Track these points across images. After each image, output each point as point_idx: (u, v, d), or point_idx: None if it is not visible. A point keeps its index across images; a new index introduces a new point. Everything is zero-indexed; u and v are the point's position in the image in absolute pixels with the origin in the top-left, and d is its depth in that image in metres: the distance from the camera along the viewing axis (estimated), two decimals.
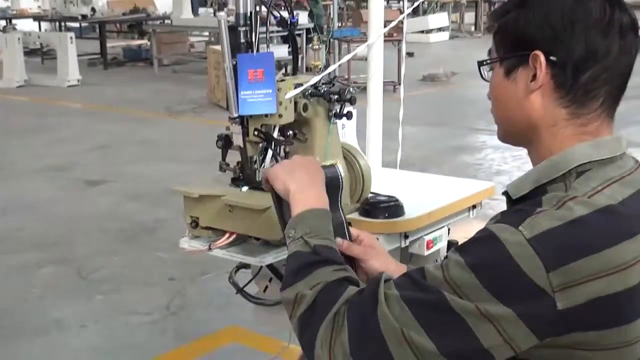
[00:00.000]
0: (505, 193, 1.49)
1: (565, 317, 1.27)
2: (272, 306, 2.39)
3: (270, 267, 2.21)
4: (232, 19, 2.09)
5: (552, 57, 1.39)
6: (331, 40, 13.21)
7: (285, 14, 2.25)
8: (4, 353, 4.06)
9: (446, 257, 1.37)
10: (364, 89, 2.92)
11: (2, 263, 5.26)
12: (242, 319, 4.09)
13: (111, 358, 4.02)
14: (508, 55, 1.46)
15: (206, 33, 16.21)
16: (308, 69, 2.77)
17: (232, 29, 2.06)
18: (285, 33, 2.28)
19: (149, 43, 15.90)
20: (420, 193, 2.62)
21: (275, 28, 2.26)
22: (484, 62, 1.53)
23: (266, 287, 2.42)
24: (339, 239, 1.67)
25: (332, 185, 1.73)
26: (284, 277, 1.54)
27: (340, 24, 15.94)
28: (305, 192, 1.62)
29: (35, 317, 4.43)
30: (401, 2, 19.32)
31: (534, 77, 1.42)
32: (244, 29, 2.07)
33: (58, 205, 6.54)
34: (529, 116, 1.45)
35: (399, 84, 8.74)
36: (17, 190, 7.01)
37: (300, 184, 1.64)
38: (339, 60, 13.07)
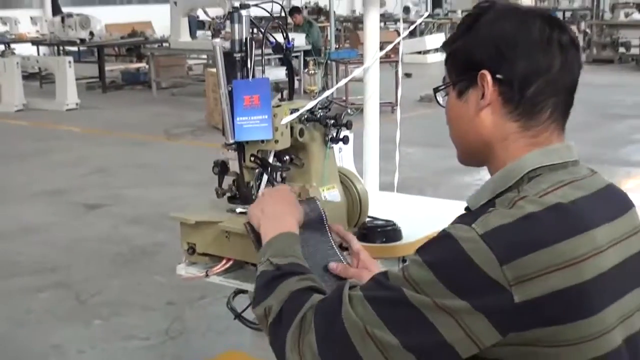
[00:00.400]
0: (467, 207, 1.57)
1: (523, 311, 1.31)
2: None
3: None
4: (228, 44, 2.10)
5: (498, 75, 1.49)
6: (328, 62, 13.25)
7: (281, 38, 2.25)
8: None
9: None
10: (362, 111, 2.92)
11: (0, 288, 5.24)
12: (241, 343, 4.07)
13: None
14: (459, 78, 1.57)
15: (204, 56, 16.25)
16: (305, 92, 2.77)
17: (228, 55, 2.06)
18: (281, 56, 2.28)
19: (147, 66, 15.94)
20: (418, 216, 2.62)
21: (271, 51, 2.26)
22: (439, 88, 1.64)
23: None
24: (332, 264, 1.81)
25: (316, 221, 1.86)
26: (253, 297, 1.64)
27: (337, 46, 15.98)
28: (273, 222, 1.76)
29: (34, 342, 4.42)
30: (398, 24, 19.41)
31: (483, 95, 1.51)
32: (239, 54, 2.08)
33: (56, 229, 6.54)
34: (482, 133, 1.54)
35: (397, 105, 8.72)
36: (15, 214, 7.00)
37: (268, 217, 1.78)
38: (336, 82, 13.13)
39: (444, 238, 1.39)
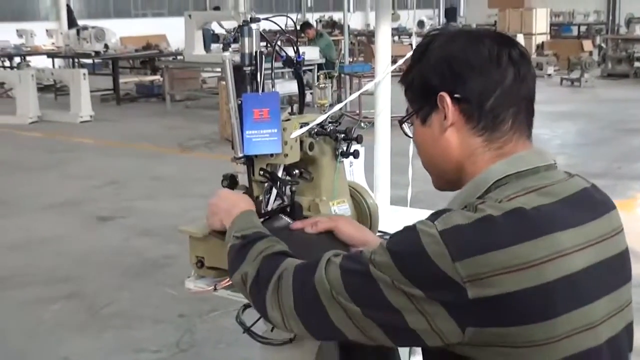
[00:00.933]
0: None
1: (479, 307, 1.36)
2: (280, 345, 2.37)
3: None
4: (238, 58, 2.10)
5: (456, 95, 1.56)
6: (342, 75, 13.26)
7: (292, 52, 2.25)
8: None
9: None
10: (370, 124, 2.92)
11: (12, 299, 5.26)
12: (251, 356, 4.06)
13: None
14: (420, 105, 1.64)
15: (218, 69, 16.27)
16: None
17: (238, 69, 2.06)
18: (292, 70, 2.28)
19: (161, 79, 15.99)
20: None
21: (281, 64, 2.26)
22: (404, 120, 1.72)
23: (273, 326, 2.40)
24: (297, 222, 2.09)
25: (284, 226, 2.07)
26: (228, 268, 1.83)
27: (351, 59, 15.99)
28: (229, 213, 1.94)
29: (45, 353, 4.42)
30: (411, 38, 19.41)
31: (445, 116, 1.58)
32: (249, 68, 2.07)
33: (68, 241, 6.55)
34: (450, 153, 1.61)
35: None
36: (28, 225, 7.02)
37: (225, 212, 1.96)
38: (349, 95, 13.14)
39: (408, 229, 1.46)
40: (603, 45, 21.11)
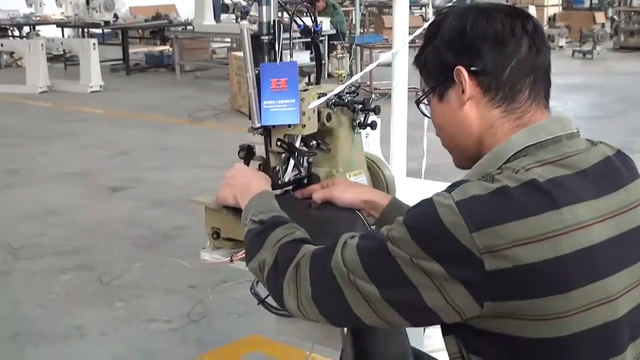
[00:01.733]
0: None
1: (496, 279, 1.35)
2: (294, 317, 2.35)
3: None
4: (254, 27, 2.06)
5: (472, 68, 1.56)
6: (353, 46, 13.17)
7: (308, 21, 2.22)
8: (24, 359, 4.05)
9: None
10: (385, 96, 2.88)
11: (23, 269, 5.26)
12: (264, 328, 4.06)
13: None
14: (437, 82, 1.64)
15: (228, 39, 16.24)
16: (329, 76, 2.73)
17: (255, 38, 2.02)
18: (308, 39, 2.25)
19: (171, 49, 15.94)
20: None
21: (297, 34, 2.22)
22: (420, 100, 1.72)
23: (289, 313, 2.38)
24: (298, 192, 2.11)
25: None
26: (245, 254, 1.82)
27: (362, 30, 15.88)
28: (246, 190, 1.93)
29: (56, 323, 4.42)
30: (424, 9, 19.28)
31: (463, 90, 1.58)
32: (267, 37, 2.04)
33: (79, 211, 6.55)
34: (470, 128, 1.60)
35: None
36: (38, 196, 7.02)
37: (240, 189, 1.96)
38: (360, 66, 13.07)
39: (425, 202, 1.45)
40: (615, 17, 20.95)
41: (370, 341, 1.96)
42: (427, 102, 1.71)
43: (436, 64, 1.62)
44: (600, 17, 20.66)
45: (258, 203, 1.87)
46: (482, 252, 1.35)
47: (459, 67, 1.56)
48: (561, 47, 18.63)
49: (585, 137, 1.62)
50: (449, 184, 1.49)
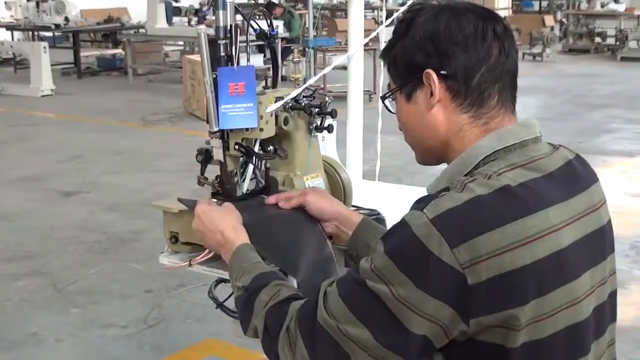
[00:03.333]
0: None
1: (478, 293, 1.35)
2: None
3: None
4: (211, 31, 2.07)
5: (442, 71, 1.54)
6: (307, 49, 13.18)
7: (264, 25, 2.23)
8: None
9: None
10: (339, 98, 2.91)
11: None
12: (220, 331, 4.07)
13: None
14: (404, 82, 1.61)
15: (181, 42, 16.14)
16: (284, 79, 2.74)
17: (212, 42, 2.03)
18: (262, 43, 2.26)
19: (123, 52, 15.80)
20: (400, 205, 2.60)
21: (252, 37, 2.23)
22: (386, 96, 1.69)
23: None
24: (271, 197, 2.04)
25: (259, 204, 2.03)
26: (240, 323, 1.73)
27: (315, 33, 15.89)
28: (221, 243, 1.88)
29: (11, 330, 4.38)
30: (376, 12, 19.34)
31: (432, 93, 1.56)
32: (224, 41, 2.05)
33: (32, 216, 6.48)
34: (437, 131, 1.59)
35: (374, 93, 8.73)
36: None
37: (213, 241, 1.91)
38: (314, 69, 13.08)
39: (400, 226, 1.43)
40: (564, 20, 21.25)
41: None
42: (392, 98, 1.69)
43: (405, 64, 1.59)
44: (549, 20, 20.91)
45: (237, 263, 1.80)
46: (464, 266, 1.35)
47: (428, 70, 1.54)
48: None
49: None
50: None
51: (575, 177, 1.57)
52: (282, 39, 12.99)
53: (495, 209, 1.39)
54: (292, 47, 2.61)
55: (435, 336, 1.40)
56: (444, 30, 1.54)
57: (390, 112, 1.73)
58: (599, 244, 1.55)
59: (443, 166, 1.63)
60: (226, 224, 1.89)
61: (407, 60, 1.59)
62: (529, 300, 1.38)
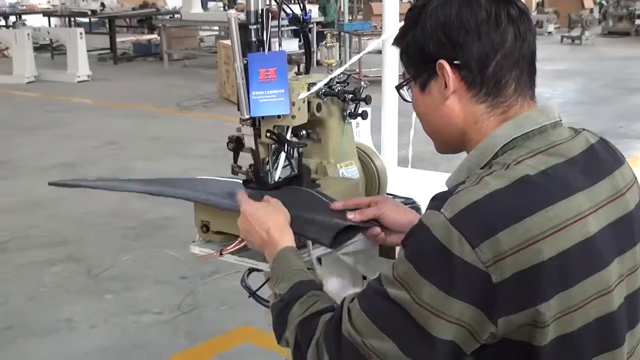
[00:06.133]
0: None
1: (504, 291, 1.30)
2: None
3: None
4: (242, 16, 2.02)
5: (455, 62, 1.49)
6: (341, 34, 13.13)
7: (297, 9, 2.18)
8: (14, 352, 4.02)
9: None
10: (375, 83, 2.85)
11: (12, 262, 5.23)
12: (254, 319, 4.04)
13: (122, 358, 3.97)
14: (418, 72, 1.56)
15: (216, 27, 16.17)
16: (318, 63, 2.69)
17: (243, 27, 1.98)
18: (296, 27, 2.20)
19: (158, 38, 15.86)
20: (436, 192, 2.56)
21: (285, 22, 2.18)
22: (401, 85, 1.65)
23: None
24: (350, 213, 1.87)
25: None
26: (274, 332, 1.67)
27: (350, 17, 15.82)
28: (268, 241, 1.79)
29: (45, 316, 4.39)
30: None
31: (446, 85, 1.51)
32: (255, 26, 2.00)
33: (68, 202, 6.50)
34: (453, 122, 1.54)
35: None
36: (26, 187, 6.97)
37: (259, 239, 1.81)
38: (349, 53, 13.02)
39: (418, 229, 1.39)
40: (604, 2, 20.93)
41: None
42: (408, 88, 1.64)
43: (417, 54, 1.55)
44: (588, 2, 20.66)
45: (279, 268, 1.73)
46: (487, 265, 1.30)
47: (441, 61, 1.49)
48: (550, 32, 18.62)
49: (574, 123, 1.59)
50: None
51: (598, 161, 1.50)
52: (317, 23, 12.96)
53: (514, 202, 1.34)
54: (326, 32, 2.56)
55: (463, 341, 1.34)
56: (456, 18, 1.48)
57: (406, 101, 1.67)
58: (626, 230, 1.48)
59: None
60: (273, 223, 1.82)
61: (419, 51, 1.54)
62: (555, 294, 1.33)
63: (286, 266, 1.73)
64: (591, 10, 19.88)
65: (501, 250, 1.30)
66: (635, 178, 1.57)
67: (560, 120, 1.53)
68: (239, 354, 3.99)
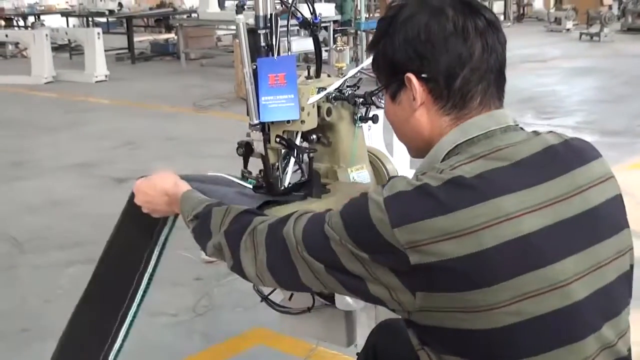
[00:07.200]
0: None
1: (422, 272, 1.38)
2: (298, 314, 2.34)
3: None
4: (251, 21, 2.02)
5: (423, 75, 1.53)
6: (357, 32, 13.11)
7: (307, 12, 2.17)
8: (30, 354, 4.03)
9: None
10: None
11: (29, 263, 5.24)
12: (269, 321, 4.03)
13: None
14: (388, 82, 1.62)
15: (233, 27, 16.15)
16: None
17: (252, 32, 1.98)
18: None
19: (176, 37, 15.91)
20: None
21: (296, 26, 2.18)
22: (374, 93, 1.79)
23: (292, 294, 2.36)
24: None
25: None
26: (201, 247, 1.90)
27: (367, 16, 15.79)
28: (167, 196, 2.05)
29: (62, 318, 4.38)
30: None
31: (414, 97, 1.56)
32: (263, 31, 2.00)
33: (85, 203, 6.52)
34: (421, 132, 1.59)
35: None
36: (44, 187, 7.00)
37: (159, 200, 2.09)
38: (365, 52, 12.97)
39: (361, 196, 1.48)
40: None
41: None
42: (381, 95, 1.72)
43: (387, 65, 1.60)
44: None
45: (185, 204, 1.95)
46: (404, 247, 1.38)
47: (409, 74, 1.54)
48: (568, 29, 18.52)
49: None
50: None
51: (553, 161, 1.51)
52: (334, 21, 12.94)
53: (441, 198, 1.39)
54: (336, 36, 2.54)
55: (383, 296, 1.46)
56: (424, 31, 1.52)
57: (378, 107, 1.77)
58: (587, 225, 1.49)
59: None
60: (167, 183, 2.04)
61: (388, 62, 1.59)
62: (475, 287, 1.38)
63: (194, 201, 1.92)
64: (610, 7, 19.75)
65: (419, 237, 1.37)
66: (610, 175, 1.58)
67: (516, 125, 1.56)
68: (254, 356, 3.98)
